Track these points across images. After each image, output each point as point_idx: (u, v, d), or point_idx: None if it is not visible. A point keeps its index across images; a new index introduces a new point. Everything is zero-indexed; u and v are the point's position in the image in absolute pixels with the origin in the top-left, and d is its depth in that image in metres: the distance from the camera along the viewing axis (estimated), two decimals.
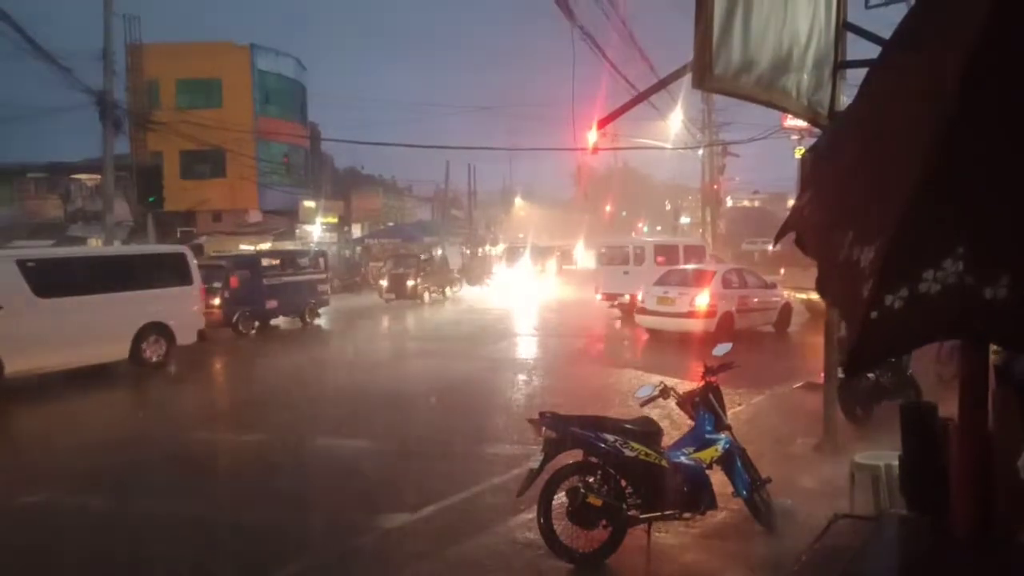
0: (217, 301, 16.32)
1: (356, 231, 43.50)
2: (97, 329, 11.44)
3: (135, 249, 14.69)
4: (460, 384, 11.22)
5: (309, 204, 36.23)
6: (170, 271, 12.97)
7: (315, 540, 5.42)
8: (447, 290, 26.61)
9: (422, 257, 25.87)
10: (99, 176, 24.70)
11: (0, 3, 15.59)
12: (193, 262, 13.46)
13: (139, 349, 12.14)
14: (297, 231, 35.24)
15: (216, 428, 9.10)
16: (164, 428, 9.04)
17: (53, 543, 5.39)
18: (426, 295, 24.73)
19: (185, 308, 13.01)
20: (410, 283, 24.06)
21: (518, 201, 72.29)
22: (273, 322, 18.77)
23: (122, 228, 24.45)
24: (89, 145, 24.81)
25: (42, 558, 5.23)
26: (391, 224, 45.85)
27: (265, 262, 19.02)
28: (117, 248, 15.25)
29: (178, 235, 30.56)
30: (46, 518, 5.90)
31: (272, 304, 18.02)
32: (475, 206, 52.70)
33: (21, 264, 10.88)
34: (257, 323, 17.64)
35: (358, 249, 38.64)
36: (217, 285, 16.46)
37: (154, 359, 12.35)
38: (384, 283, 24.50)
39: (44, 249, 14.40)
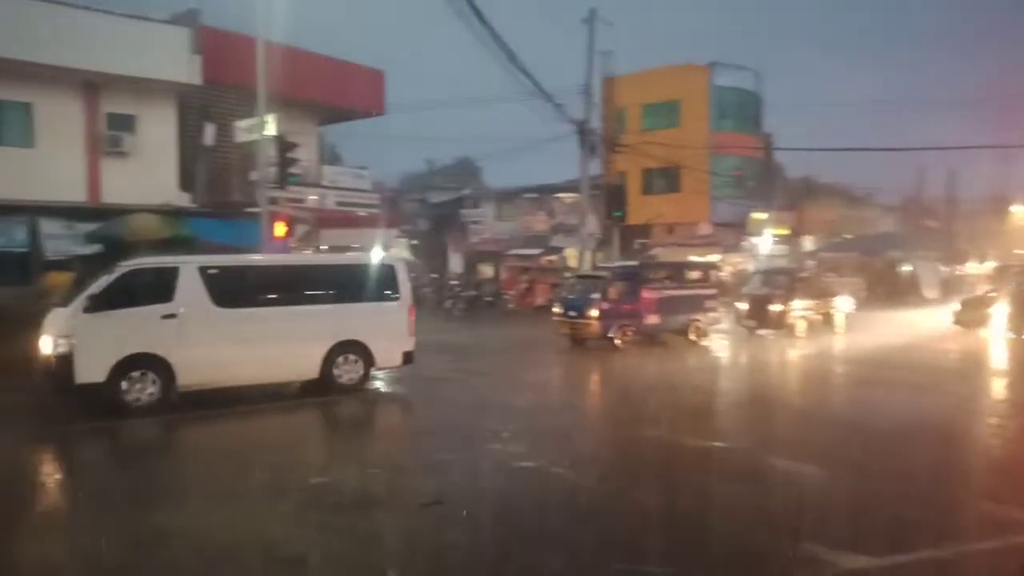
0: (595, 312, 16.04)
1: (808, 244, 41.36)
2: (282, 345, 10.45)
3: (333, 259, 13.46)
4: (927, 422, 9.83)
5: (758, 216, 35.83)
6: (374, 284, 11.52)
7: (758, 559, 5.39)
8: (836, 317, 20.60)
9: (800, 274, 20.76)
10: (576, 195, 28.63)
11: (493, 49, 19.22)
12: (403, 275, 11.82)
13: (330, 370, 10.90)
14: (744, 243, 35.20)
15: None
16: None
17: None
18: (800, 324, 19.36)
19: (388, 326, 11.48)
20: (775, 308, 19.01)
21: (1016, 209, 59.14)
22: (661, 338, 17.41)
23: (592, 239, 27.86)
24: (569, 168, 28.83)
25: None
26: (847, 236, 42.29)
27: (651, 274, 18.02)
28: (312, 257, 13.89)
29: (636, 246, 33.49)
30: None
31: (653, 319, 16.90)
32: (955, 216, 45.05)
33: (203, 270, 10.22)
34: (634, 336, 16.57)
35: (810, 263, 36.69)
36: (596, 296, 16.24)
37: (347, 381, 11.01)
38: (743, 306, 19.98)
39: (229, 256, 13.36)
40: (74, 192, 19.40)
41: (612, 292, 16.37)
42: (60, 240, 18.64)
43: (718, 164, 33.64)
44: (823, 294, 20.64)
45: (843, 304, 20.91)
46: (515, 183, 40.91)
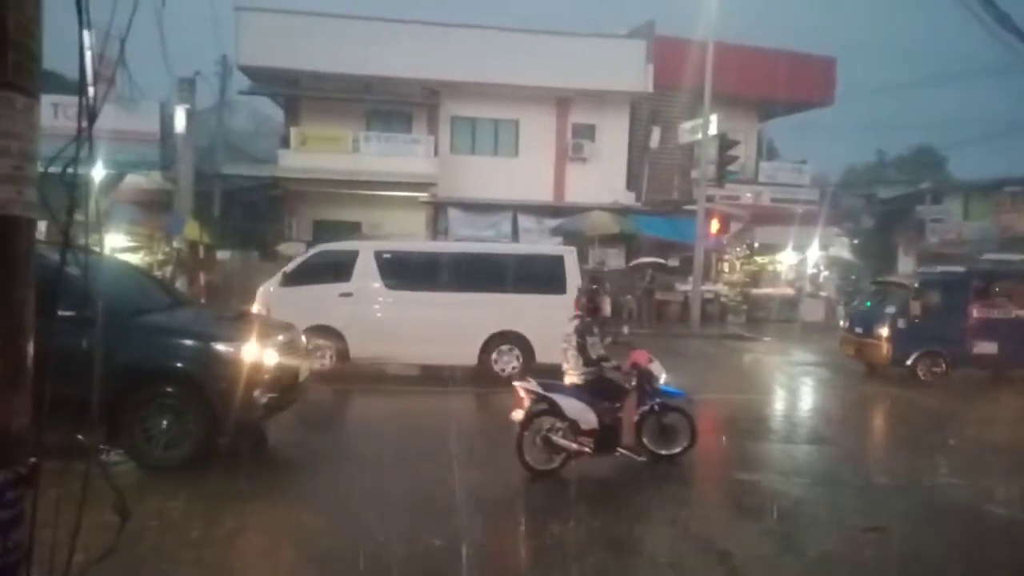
0: (885, 331, 12.45)
1: None
2: (443, 328, 10.67)
3: (500, 248, 13.09)
4: None
5: None
6: (540, 277, 11.17)
7: None
8: None
9: None
10: None
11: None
12: (573, 268, 11.10)
13: (488, 359, 10.84)
14: None
15: None
16: None
17: None
18: None
19: (551, 320, 10.35)
20: None
21: None
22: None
23: None
24: None
25: None
26: None
27: (989, 285, 13.06)
28: (478, 246, 13.89)
29: None
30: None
31: (985, 347, 12.61)
32: None
33: (378, 255, 10.90)
34: (950, 368, 12.40)
35: None
36: (890, 310, 12.65)
37: (505, 372, 10.69)
38: None
39: (401, 242, 13.34)
40: (543, 193, 22.93)
41: (916, 306, 12.58)
42: (531, 233, 22.31)
43: None
44: None
45: None
46: (993, 174, 34.21)
